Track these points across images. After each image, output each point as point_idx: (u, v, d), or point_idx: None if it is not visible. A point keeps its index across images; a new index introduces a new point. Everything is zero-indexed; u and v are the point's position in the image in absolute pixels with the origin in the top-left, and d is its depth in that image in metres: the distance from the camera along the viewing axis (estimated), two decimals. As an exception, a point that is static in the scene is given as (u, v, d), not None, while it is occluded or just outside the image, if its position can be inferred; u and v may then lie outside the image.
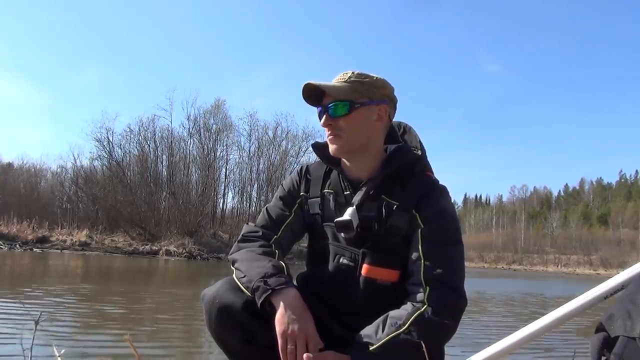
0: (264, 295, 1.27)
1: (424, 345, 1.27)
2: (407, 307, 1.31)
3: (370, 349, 1.25)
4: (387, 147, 1.52)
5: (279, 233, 1.52)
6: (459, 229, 1.44)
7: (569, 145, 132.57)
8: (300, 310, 1.27)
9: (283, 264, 1.38)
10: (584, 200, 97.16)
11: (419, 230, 1.38)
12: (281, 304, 1.27)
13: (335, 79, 1.46)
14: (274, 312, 1.28)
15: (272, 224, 1.53)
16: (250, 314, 1.33)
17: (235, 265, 1.43)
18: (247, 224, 1.57)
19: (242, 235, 1.52)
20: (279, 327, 1.26)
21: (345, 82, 1.43)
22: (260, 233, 1.50)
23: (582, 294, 1.39)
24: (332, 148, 1.46)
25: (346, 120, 1.43)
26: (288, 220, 1.54)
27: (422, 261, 1.34)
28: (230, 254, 1.49)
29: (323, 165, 1.57)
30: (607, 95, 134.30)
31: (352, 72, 1.45)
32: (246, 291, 1.33)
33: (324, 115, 1.44)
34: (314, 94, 1.46)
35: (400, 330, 1.26)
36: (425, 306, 1.29)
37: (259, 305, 1.28)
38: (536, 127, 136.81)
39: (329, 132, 1.45)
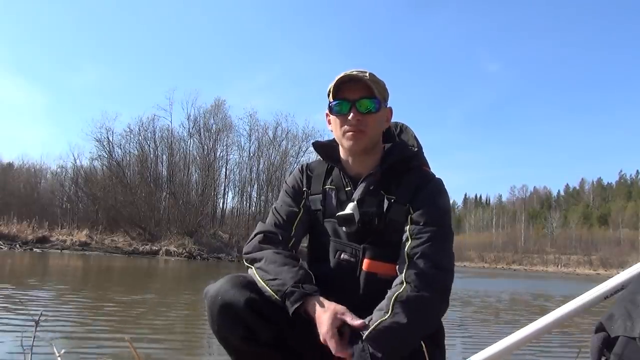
0: (300, 302, 1.31)
1: (423, 345, 1.27)
2: (389, 292, 1.35)
3: (363, 337, 1.28)
4: (384, 146, 1.55)
5: (293, 232, 1.54)
6: (446, 215, 1.46)
7: (569, 145, 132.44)
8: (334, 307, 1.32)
9: (311, 274, 1.41)
10: (584, 200, 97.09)
11: (410, 216, 1.43)
12: (316, 305, 1.32)
13: (351, 73, 1.45)
14: (305, 315, 1.32)
15: (284, 224, 1.54)
16: (253, 311, 1.34)
17: (259, 265, 1.43)
18: (261, 222, 1.58)
19: (264, 234, 1.52)
20: (326, 320, 1.30)
21: (367, 79, 1.44)
22: (280, 237, 1.51)
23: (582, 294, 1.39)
24: (351, 144, 1.46)
25: (372, 118, 1.46)
26: (299, 217, 1.56)
27: (410, 241, 1.39)
28: (250, 253, 1.49)
29: (324, 163, 1.60)
30: (607, 95, 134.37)
31: (369, 72, 1.47)
32: (272, 293, 1.35)
33: (353, 110, 1.44)
34: (344, 86, 1.45)
35: (387, 316, 1.30)
36: (404, 285, 1.33)
37: (291, 311, 1.31)
38: (536, 127, 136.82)
39: (353, 128, 1.45)
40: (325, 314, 1.30)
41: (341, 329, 1.30)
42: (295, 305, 1.31)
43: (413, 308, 1.30)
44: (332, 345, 1.27)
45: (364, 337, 1.28)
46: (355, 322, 1.30)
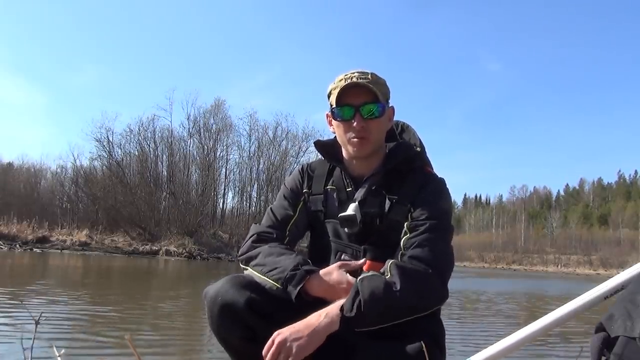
0: (302, 282, 1.32)
1: (423, 345, 1.27)
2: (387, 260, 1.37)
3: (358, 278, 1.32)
4: (386, 145, 1.55)
5: (287, 233, 1.54)
6: (446, 214, 1.44)
7: (569, 145, 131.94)
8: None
9: (309, 261, 1.41)
10: (584, 200, 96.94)
11: (409, 214, 1.42)
12: (318, 278, 1.35)
13: (352, 76, 1.44)
14: (307, 297, 1.33)
15: (278, 225, 1.55)
16: (252, 311, 1.34)
17: (255, 262, 1.44)
18: (256, 224, 1.58)
19: (257, 235, 1.52)
20: (333, 267, 1.39)
21: (370, 82, 1.43)
22: (274, 235, 1.52)
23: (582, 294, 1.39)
24: (356, 150, 1.45)
25: (376, 123, 1.45)
26: (293, 220, 1.55)
27: (407, 235, 1.39)
28: (245, 254, 1.50)
29: (326, 163, 1.59)
30: (606, 95, 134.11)
31: (371, 73, 1.45)
32: (273, 282, 1.35)
33: (356, 116, 1.43)
34: (347, 91, 1.43)
35: (384, 276, 1.31)
36: (399, 259, 1.35)
37: (294, 296, 1.31)
38: (536, 127, 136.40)
39: (357, 134, 1.44)
40: (329, 268, 1.37)
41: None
42: (298, 287, 1.31)
43: (408, 275, 1.29)
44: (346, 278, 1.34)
45: (359, 277, 1.32)
46: (357, 262, 1.41)
